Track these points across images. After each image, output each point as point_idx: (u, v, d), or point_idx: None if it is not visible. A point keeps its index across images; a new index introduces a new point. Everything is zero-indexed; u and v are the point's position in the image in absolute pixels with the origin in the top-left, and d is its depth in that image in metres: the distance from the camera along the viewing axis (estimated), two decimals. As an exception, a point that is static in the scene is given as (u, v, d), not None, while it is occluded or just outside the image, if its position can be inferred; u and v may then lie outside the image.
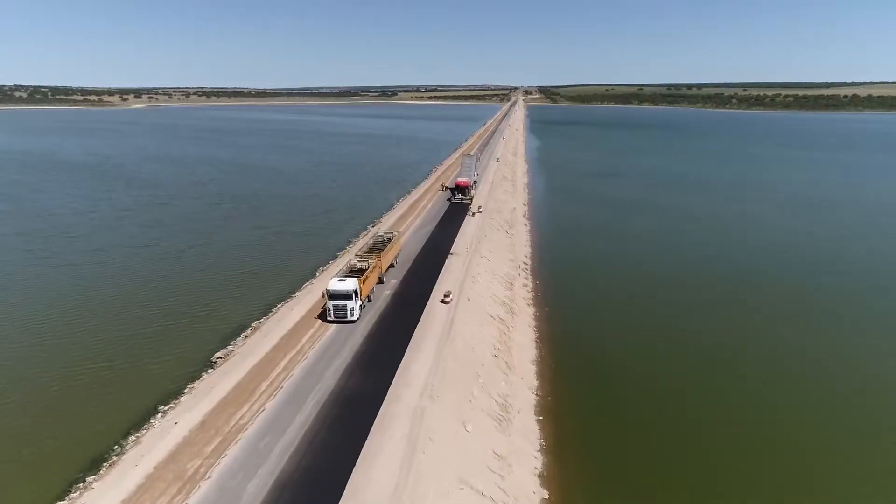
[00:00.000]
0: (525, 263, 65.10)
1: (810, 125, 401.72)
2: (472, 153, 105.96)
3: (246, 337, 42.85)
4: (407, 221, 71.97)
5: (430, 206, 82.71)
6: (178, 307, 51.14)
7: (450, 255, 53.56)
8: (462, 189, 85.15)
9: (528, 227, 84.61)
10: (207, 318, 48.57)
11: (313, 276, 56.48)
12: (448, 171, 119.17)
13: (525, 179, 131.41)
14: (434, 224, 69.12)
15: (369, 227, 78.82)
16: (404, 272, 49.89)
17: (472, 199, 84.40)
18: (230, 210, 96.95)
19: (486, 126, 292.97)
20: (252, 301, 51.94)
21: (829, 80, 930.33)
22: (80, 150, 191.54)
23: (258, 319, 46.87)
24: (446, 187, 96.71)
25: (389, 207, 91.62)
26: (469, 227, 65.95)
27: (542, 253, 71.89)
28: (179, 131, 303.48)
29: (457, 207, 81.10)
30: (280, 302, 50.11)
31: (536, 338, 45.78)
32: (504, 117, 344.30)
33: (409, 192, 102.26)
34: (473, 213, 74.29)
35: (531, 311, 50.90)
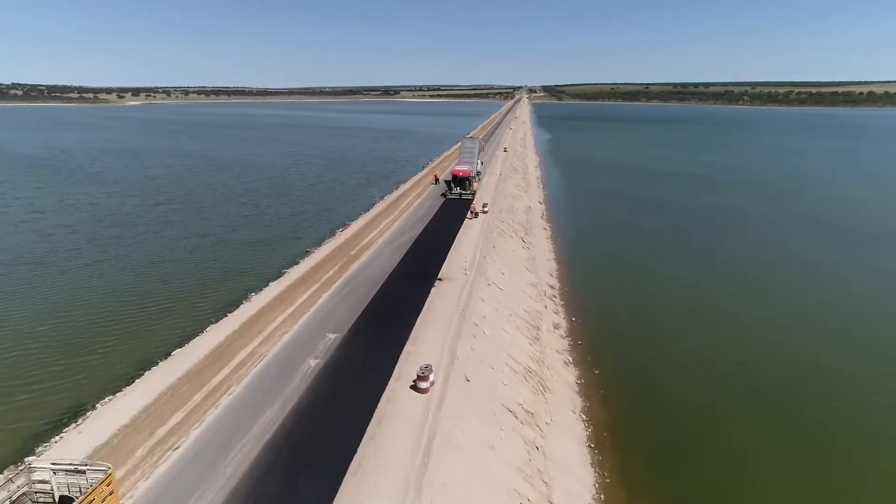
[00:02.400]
0: (551, 287, 44.79)
1: (856, 120, 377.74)
2: (474, 136, 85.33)
3: (62, 436, 22.94)
4: (381, 226, 51.38)
5: (417, 202, 62.16)
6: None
7: (438, 283, 33.43)
8: (461, 181, 64.49)
9: (549, 232, 64.30)
10: (27, 402, 28.46)
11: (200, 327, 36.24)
12: (446, 162, 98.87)
13: (538, 173, 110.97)
14: (419, 229, 48.65)
15: (338, 231, 58.62)
16: (354, 318, 29.32)
17: (474, 194, 64.16)
18: (173, 211, 77.02)
19: (489, 119, 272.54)
20: (114, 363, 31.85)
21: (835, 80, 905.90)
22: (38, 143, 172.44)
23: (104, 399, 26.89)
24: (440, 179, 76.34)
25: (370, 206, 71.58)
26: (470, 234, 45.78)
27: (572, 268, 51.58)
28: (162, 125, 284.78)
29: (454, 205, 60.65)
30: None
31: (587, 437, 25.53)
32: (509, 111, 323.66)
33: (397, 187, 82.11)
34: (476, 214, 54.05)
35: (572, 376, 30.62)
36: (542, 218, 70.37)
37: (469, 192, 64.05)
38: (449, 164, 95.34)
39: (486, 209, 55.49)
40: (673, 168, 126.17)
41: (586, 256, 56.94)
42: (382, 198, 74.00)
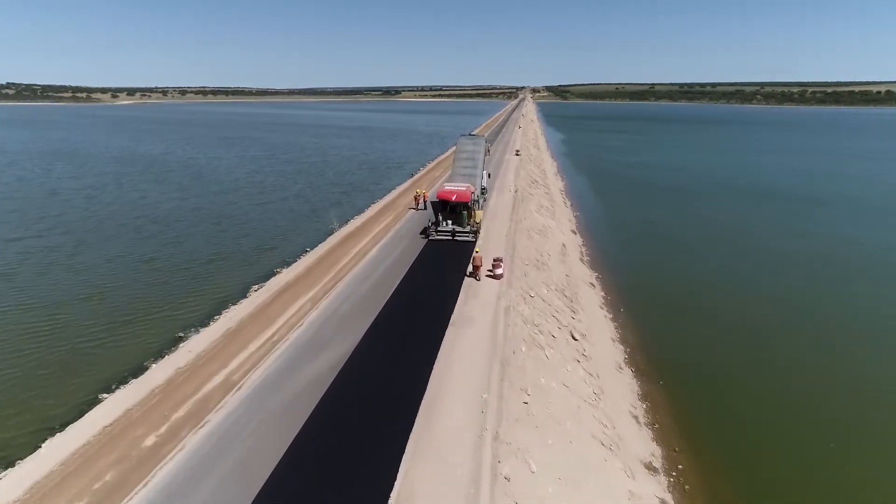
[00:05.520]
0: (650, 470, 19.77)
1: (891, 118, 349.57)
2: (478, 134, 59.62)
3: None
4: (280, 321, 25.60)
5: (376, 249, 36.42)
6: None
7: None
8: (454, 208, 38.15)
9: (602, 294, 39.01)
10: None
11: None
12: (439, 171, 73.62)
13: (560, 183, 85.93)
14: (359, 332, 22.84)
15: (253, 287, 33.70)
16: None
17: (476, 233, 38.75)
18: (33, 251, 51.52)
19: (494, 117, 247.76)
20: None
21: (836, 80, 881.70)
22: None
23: None
24: (423, 201, 48.81)
25: (326, 236, 46.72)
26: (468, 352, 20.82)
27: (669, 398, 26.35)
28: (137, 123, 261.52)
29: (441, 256, 35.32)
30: None
31: None
32: (515, 108, 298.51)
33: (368, 208, 57.16)
34: (476, 268, 29.27)
35: None
36: (582, 261, 45.19)
37: (468, 229, 37.86)
38: (443, 172, 70.18)
39: (499, 268, 30.40)
40: (737, 183, 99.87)
41: (685, 349, 31.69)
42: (347, 222, 49.24)
